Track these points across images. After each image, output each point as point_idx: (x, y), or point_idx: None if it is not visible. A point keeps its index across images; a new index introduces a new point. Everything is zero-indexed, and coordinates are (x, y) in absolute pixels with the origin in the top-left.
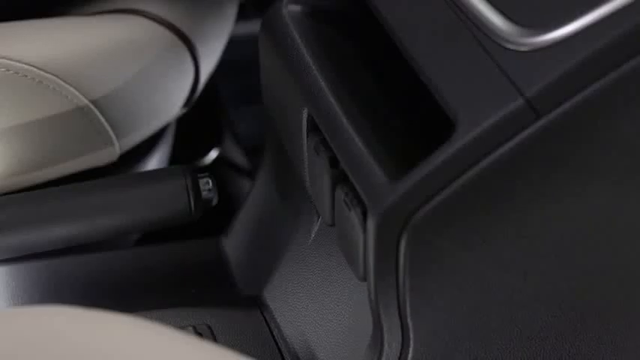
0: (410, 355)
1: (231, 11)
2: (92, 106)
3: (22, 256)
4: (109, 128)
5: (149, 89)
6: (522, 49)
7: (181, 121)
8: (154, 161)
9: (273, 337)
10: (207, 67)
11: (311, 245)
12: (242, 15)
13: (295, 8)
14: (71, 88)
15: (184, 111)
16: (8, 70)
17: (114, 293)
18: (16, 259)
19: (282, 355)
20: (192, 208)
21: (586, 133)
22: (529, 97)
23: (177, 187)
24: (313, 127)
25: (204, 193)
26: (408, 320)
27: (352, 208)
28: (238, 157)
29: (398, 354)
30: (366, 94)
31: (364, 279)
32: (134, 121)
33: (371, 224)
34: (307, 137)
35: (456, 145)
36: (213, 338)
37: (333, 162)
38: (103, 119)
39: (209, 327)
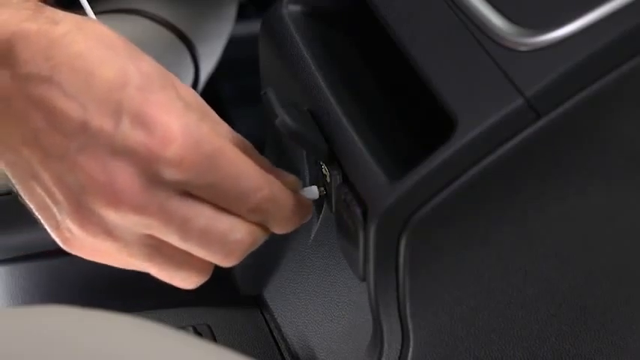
0: (410, 355)
1: (231, 11)
2: None
3: (22, 256)
4: None
5: None
6: (522, 49)
7: None
8: None
9: (273, 337)
10: (207, 67)
11: (311, 245)
12: (242, 15)
13: (295, 8)
14: None
15: None
16: None
17: (114, 293)
18: (16, 259)
19: (282, 355)
20: None
21: (586, 133)
22: (529, 97)
23: None
24: None
25: None
26: (408, 320)
27: (352, 208)
28: None
29: (398, 354)
30: (366, 94)
31: (364, 279)
32: None
33: (371, 224)
34: None
35: (456, 145)
36: (213, 338)
37: None
38: None
39: (209, 327)
